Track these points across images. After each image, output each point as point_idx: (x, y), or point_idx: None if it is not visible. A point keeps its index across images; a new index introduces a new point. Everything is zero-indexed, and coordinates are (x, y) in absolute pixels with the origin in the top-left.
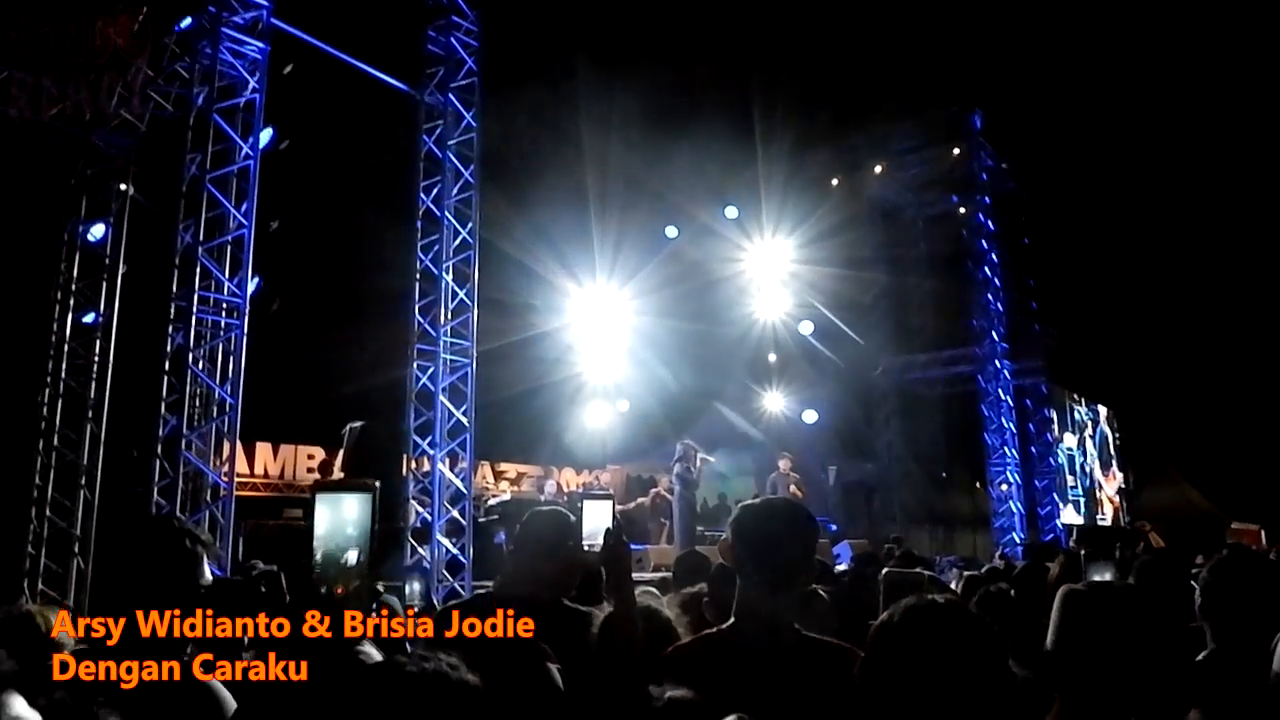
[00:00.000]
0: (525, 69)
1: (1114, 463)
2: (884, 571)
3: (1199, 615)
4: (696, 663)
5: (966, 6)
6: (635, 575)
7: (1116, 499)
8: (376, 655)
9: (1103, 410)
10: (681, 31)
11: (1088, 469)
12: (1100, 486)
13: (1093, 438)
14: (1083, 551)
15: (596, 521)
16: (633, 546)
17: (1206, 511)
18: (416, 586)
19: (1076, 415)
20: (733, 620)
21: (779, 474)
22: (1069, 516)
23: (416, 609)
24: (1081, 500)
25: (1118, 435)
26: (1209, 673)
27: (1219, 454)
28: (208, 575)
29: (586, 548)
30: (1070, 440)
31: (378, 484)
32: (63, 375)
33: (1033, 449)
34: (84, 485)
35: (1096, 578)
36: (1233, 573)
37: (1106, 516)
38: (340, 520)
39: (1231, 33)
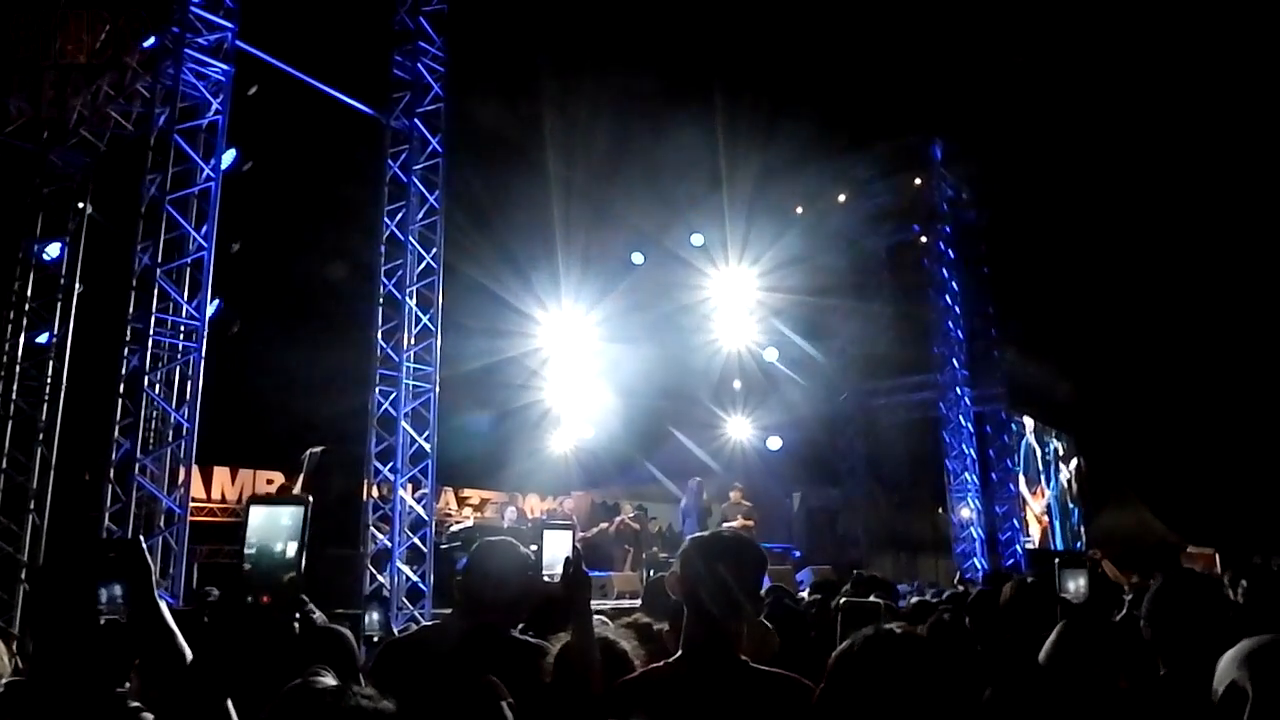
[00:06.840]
0: (492, 95)
1: (1041, 479)
2: (841, 601)
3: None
4: (645, 695)
5: (926, 37)
6: (596, 603)
7: (1045, 519)
8: (331, 682)
9: (1029, 422)
10: (648, 60)
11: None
12: (1026, 504)
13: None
14: (1056, 560)
15: (557, 551)
16: (595, 574)
17: (1162, 536)
18: (375, 616)
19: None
20: (680, 653)
21: (730, 504)
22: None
23: (376, 638)
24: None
25: (1046, 448)
26: (1166, 695)
27: (1175, 478)
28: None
29: (546, 578)
30: None
31: (310, 499)
32: (13, 396)
33: (993, 475)
34: (33, 510)
35: (1071, 585)
36: (1175, 600)
37: (1033, 538)
38: (273, 520)
39: (1189, 62)
